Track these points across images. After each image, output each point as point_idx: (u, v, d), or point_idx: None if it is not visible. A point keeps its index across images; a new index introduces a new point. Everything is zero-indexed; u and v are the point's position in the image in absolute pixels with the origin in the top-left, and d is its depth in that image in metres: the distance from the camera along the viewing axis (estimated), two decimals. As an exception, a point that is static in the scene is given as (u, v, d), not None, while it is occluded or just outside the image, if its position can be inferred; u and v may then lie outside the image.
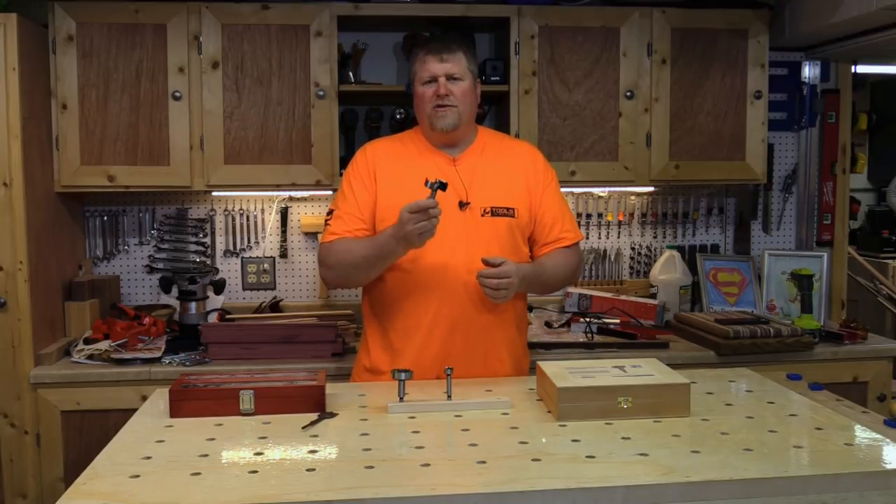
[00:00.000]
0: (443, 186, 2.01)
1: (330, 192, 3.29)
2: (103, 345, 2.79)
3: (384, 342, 2.26)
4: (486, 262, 2.09)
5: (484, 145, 2.32)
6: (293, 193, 3.31)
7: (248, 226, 3.36)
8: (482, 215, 2.22)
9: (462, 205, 2.21)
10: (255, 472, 1.52)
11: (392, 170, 2.27)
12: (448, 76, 2.22)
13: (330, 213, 2.30)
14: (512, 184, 2.29)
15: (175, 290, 3.00)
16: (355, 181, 2.27)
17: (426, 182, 2.01)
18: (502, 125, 3.16)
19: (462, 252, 2.17)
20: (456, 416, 1.86)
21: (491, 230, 2.22)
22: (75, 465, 2.57)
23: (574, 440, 1.68)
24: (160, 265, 3.30)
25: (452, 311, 2.18)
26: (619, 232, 3.54)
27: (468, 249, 2.17)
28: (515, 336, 2.31)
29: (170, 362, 2.71)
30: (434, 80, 2.23)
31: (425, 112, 2.25)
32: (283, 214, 3.35)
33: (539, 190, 2.31)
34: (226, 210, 3.35)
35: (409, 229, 2.00)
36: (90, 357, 2.74)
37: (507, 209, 2.25)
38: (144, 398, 2.14)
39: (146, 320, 2.97)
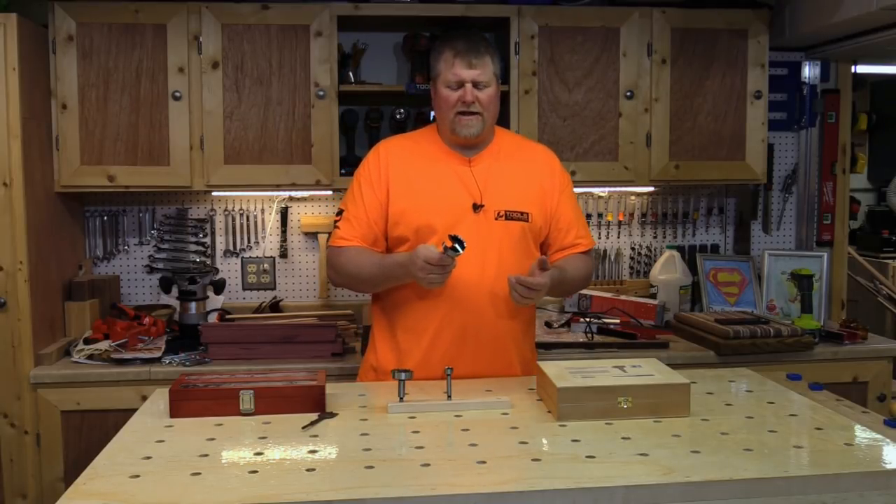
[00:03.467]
0: (461, 248, 1.95)
1: (330, 193, 3.29)
2: (103, 345, 2.79)
3: (392, 342, 2.25)
4: (542, 265, 2.05)
5: (500, 147, 2.29)
6: (293, 193, 3.31)
7: (248, 226, 3.36)
8: (496, 218, 2.20)
9: (476, 207, 2.19)
10: (255, 472, 1.52)
11: (405, 172, 2.23)
12: (475, 83, 2.18)
13: (339, 212, 2.28)
14: (527, 188, 2.26)
15: (175, 290, 3.00)
16: (365, 183, 2.24)
17: (444, 245, 1.95)
18: (502, 125, 3.13)
19: (474, 255, 2.13)
20: (456, 416, 1.85)
21: (504, 234, 2.20)
22: (75, 465, 2.57)
23: (574, 440, 1.68)
24: (160, 265, 3.30)
25: (462, 314, 2.17)
26: (619, 232, 3.54)
27: (480, 252, 2.15)
28: (522, 338, 2.29)
29: (170, 362, 2.71)
30: (460, 84, 2.19)
31: (447, 116, 2.21)
32: (283, 214, 3.35)
33: (555, 195, 2.29)
34: (226, 210, 3.35)
35: (420, 276, 2.02)
36: (90, 357, 2.74)
37: (522, 213, 2.22)
38: (144, 398, 2.13)
39: (146, 320, 2.97)
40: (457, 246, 1.94)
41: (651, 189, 3.46)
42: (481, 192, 2.21)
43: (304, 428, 1.77)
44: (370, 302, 2.38)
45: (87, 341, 2.83)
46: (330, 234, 2.36)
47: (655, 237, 3.55)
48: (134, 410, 1.96)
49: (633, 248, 3.55)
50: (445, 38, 2.28)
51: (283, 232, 3.36)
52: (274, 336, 2.78)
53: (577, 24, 3.08)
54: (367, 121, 3.27)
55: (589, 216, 3.48)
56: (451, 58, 2.19)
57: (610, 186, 3.36)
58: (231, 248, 3.36)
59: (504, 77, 3.08)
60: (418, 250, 2.02)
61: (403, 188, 2.21)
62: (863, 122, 4.25)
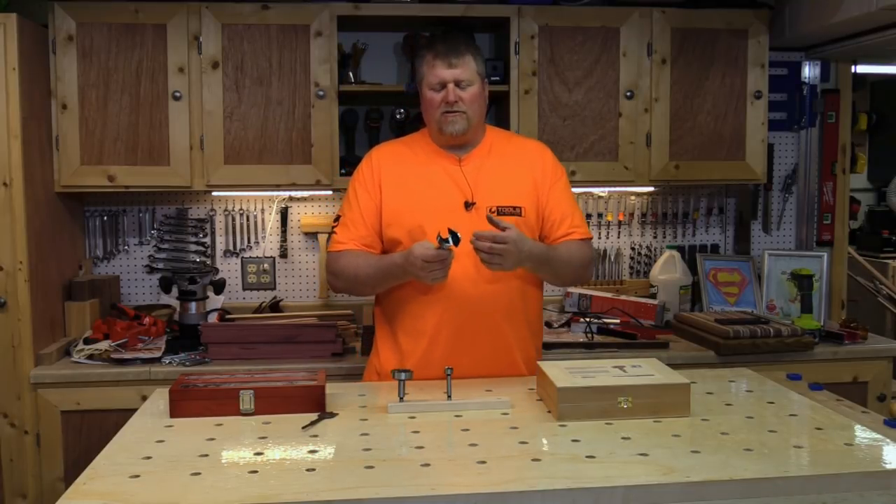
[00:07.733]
0: (456, 241, 1.99)
1: (330, 193, 3.29)
2: (103, 345, 2.79)
3: (393, 344, 2.26)
4: (492, 222, 2.07)
5: (491, 145, 2.31)
6: (293, 193, 3.31)
7: (248, 226, 3.36)
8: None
9: (468, 205, 2.20)
10: (255, 472, 1.52)
11: (398, 175, 2.26)
12: (457, 82, 2.20)
13: (337, 219, 2.31)
14: (519, 182, 2.27)
15: (175, 290, 2.99)
16: (360, 189, 2.27)
17: (438, 237, 2.00)
18: (502, 125, 3.15)
19: (469, 253, 2.12)
20: (456, 416, 1.86)
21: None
22: (75, 465, 2.57)
23: (574, 440, 1.68)
24: (160, 265, 3.30)
25: (460, 313, 2.17)
26: (619, 232, 3.54)
27: (475, 250, 2.15)
28: (527, 336, 2.28)
29: (170, 362, 2.71)
30: (443, 85, 2.21)
31: (434, 117, 2.24)
32: (283, 214, 3.35)
33: (546, 187, 2.29)
34: (226, 210, 3.35)
35: (420, 275, 2.04)
36: (90, 357, 2.74)
37: (514, 208, 2.23)
38: (144, 398, 2.14)
39: (146, 320, 2.96)
40: (450, 238, 1.97)
41: (651, 189, 3.46)
42: (472, 189, 2.22)
43: (304, 428, 1.77)
44: (372, 304, 2.39)
45: (87, 341, 2.83)
46: (329, 237, 2.37)
47: (655, 237, 3.55)
48: (134, 410, 1.96)
49: (633, 248, 3.55)
50: (426, 42, 2.30)
51: (283, 232, 3.36)
52: (274, 336, 2.78)
53: (577, 24, 3.08)
54: (367, 121, 3.27)
55: (589, 216, 3.48)
56: (431, 60, 2.22)
57: (610, 186, 3.36)
58: (231, 248, 3.36)
59: (504, 77, 3.10)
60: (414, 249, 2.04)
61: (396, 190, 2.24)
62: (863, 122, 4.24)
